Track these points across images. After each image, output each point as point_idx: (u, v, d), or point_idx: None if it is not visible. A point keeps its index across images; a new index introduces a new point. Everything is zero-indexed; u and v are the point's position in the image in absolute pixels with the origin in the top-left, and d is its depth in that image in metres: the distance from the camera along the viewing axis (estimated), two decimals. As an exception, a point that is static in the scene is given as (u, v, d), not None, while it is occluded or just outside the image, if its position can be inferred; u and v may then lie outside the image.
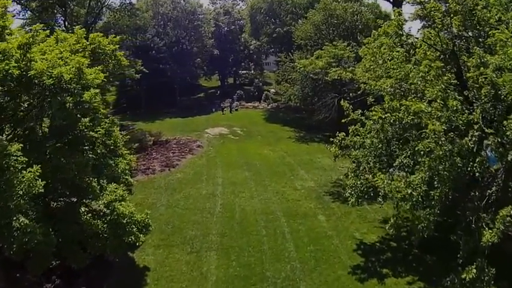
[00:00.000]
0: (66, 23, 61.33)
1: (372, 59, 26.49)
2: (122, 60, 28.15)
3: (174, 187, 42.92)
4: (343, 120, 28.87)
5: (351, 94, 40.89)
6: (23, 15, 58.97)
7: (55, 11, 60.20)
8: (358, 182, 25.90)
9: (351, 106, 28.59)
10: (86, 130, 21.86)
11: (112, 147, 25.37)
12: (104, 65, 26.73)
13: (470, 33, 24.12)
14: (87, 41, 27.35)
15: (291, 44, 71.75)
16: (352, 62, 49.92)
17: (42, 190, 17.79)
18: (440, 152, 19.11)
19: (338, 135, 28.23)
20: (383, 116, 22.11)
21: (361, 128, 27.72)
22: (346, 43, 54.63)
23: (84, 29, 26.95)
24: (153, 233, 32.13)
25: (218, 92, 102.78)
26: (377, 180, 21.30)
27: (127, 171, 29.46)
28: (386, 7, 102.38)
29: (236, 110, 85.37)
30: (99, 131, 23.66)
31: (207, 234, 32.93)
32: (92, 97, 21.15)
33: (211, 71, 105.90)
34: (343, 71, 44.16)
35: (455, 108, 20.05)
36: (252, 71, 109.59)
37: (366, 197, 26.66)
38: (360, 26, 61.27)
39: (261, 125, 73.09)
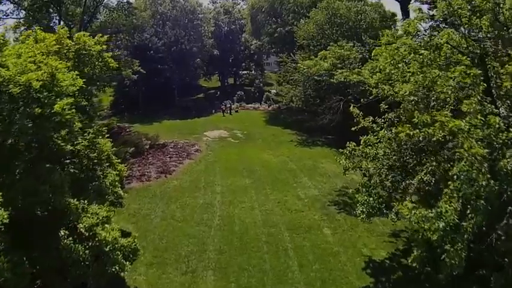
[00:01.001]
0: (62, 22, 59.18)
1: (391, 61, 23.74)
2: (110, 62, 25.63)
3: (170, 196, 40.59)
4: (353, 129, 26.36)
5: (363, 99, 38.24)
6: (16, 15, 56.84)
7: (50, 10, 57.78)
8: (370, 199, 23.45)
9: (361, 112, 26.13)
10: (62, 144, 19.36)
11: (96, 160, 22.83)
12: (89, 68, 24.36)
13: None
14: (73, 41, 25.14)
15: (293, 44, 69.52)
16: (357, 63, 47.57)
17: (7, 221, 15.26)
18: (484, 182, 16.46)
19: (348, 145, 25.60)
20: (411, 133, 19.35)
21: (373, 137, 25.27)
22: (352, 43, 52.23)
23: (66, 28, 24.59)
24: (146, 249, 30.13)
25: (218, 92, 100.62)
26: (402, 209, 18.63)
27: (117, 182, 27.08)
28: (390, 7, 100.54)
29: (236, 111, 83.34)
30: (81, 142, 21.30)
31: (203, 250, 30.51)
32: (63, 108, 18.50)
33: (211, 71, 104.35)
34: (349, 73, 41.73)
35: (497, 126, 17.36)
36: (253, 72, 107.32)
37: (377, 213, 24.24)
38: (365, 26, 58.80)
39: (261, 127, 70.69)
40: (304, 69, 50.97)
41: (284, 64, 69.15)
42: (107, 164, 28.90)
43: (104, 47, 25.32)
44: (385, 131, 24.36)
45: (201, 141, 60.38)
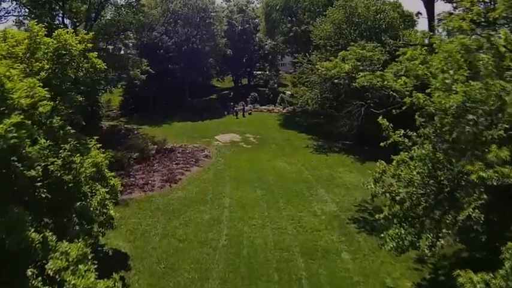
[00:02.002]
0: (66, 20, 56.23)
1: (444, 67, 19.70)
2: (97, 63, 22.05)
3: (173, 209, 37.09)
4: (382, 144, 22.58)
5: (391, 107, 34.66)
6: (18, 12, 53.78)
7: (53, 7, 54.54)
8: (402, 231, 19.63)
9: (391, 124, 22.40)
10: (22, 169, 15.76)
11: (71, 184, 19.20)
12: (71, 70, 20.85)
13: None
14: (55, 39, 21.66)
15: (309, 44, 66.21)
16: (378, 65, 43.93)
17: None
18: None
19: (378, 165, 21.76)
20: (484, 175, 15.37)
21: (407, 156, 21.49)
22: (373, 44, 48.54)
23: (40, 25, 21.02)
24: (141, 274, 26.94)
25: (231, 93, 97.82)
26: (462, 280, 14.75)
27: (107, 201, 23.62)
28: (408, 7, 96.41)
29: (250, 113, 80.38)
30: (55, 161, 17.81)
31: (206, 278, 26.73)
32: (7, 130, 14.33)
33: (224, 71, 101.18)
34: (373, 77, 37.97)
35: None
36: (267, 72, 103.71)
37: (410, 249, 20.46)
38: (384, 26, 55.86)
39: (276, 131, 67.14)
40: (322, 71, 47.25)
41: (300, 65, 65.57)
42: (99, 177, 25.71)
43: (90, 45, 21.76)
44: (420, 148, 20.68)
45: (211, 146, 57.05)
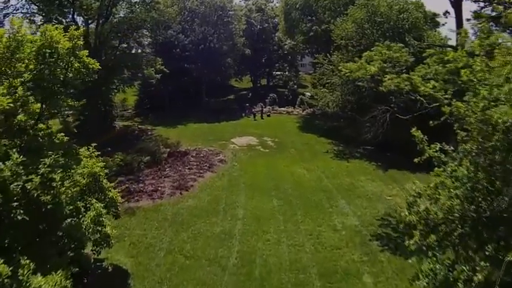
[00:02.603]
0: (77, 18, 54.09)
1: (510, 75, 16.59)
2: (89, 62, 19.37)
3: (182, 220, 34.50)
4: (415, 160, 19.58)
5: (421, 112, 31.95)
6: (27, 9, 51.65)
7: (63, 3, 52.29)
8: (437, 267, 16.65)
9: (425, 137, 19.45)
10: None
11: (50, 206, 16.54)
12: (58, 71, 18.23)
13: None
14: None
15: (329, 44, 63.44)
16: (401, 68, 41.01)
17: None
18: None
19: (413, 187, 18.71)
20: None
21: (441, 171, 18.54)
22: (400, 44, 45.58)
23: (21, 18, 18.52)
24: (141, 297, 24.09)
25: (250, 94, 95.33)
26: None
27: (102, 218, 21.05)
28: (430, 7, 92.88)
29: (268, 115, 77.89)
30: (33, 179, 15.26)
31: (212, 304, 24.17)
32: None
33: (242, 71, 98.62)
34: (400, 80, 35.01)
35: None
36: (287, 73, 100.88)
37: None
38: (407, 26, 52.88)
39: (294, 134, 64.31)
40: (346, 73, 44.41)
41: (320, 66, 62.65)
42: (96, 188, 23.25)
43: (80, 43, 19.12)
44: (458, 166, 17.74)
45: (227, 150, 54.47)
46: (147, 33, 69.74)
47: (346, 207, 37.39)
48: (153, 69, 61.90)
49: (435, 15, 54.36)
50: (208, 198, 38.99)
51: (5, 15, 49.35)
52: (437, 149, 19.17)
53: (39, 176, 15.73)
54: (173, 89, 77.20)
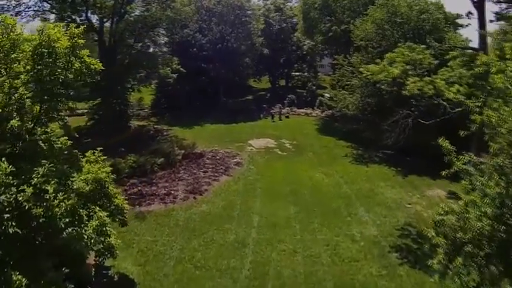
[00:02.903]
0: (89, 15, 53.02)
1: None
2: (91, 62, 17.99)
3: (194, 226, 33.16)
4: (443, 173, 18.04)
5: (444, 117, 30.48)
6: (39, 6, 50.69)
7: (75, 1, 51.24)
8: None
9: (454, 148, 17.89)
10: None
11: (43, 219, 15.15)
12: (58, 71, 16.91)
13: None
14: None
15: (349, 44, 62.13)
16: (422, 70, 39.49)
17: None
18: None
19: (441, 206, 17.09)
20: None
21: (466, 184, 17.03)
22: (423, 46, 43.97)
23: (15, 17, 17.29)
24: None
25: (268, 94, 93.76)
26: None
27: (105, 227, 19.74)
28: (450, 8, 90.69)
29: (287, 116, 76.17)
30: (25, 190, 14.02)
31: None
32: None
33: (261, 71, 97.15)
34: (424, 84, 33.45)
35: None
36: (306, 74, 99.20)
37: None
38: (428, 27, 51.40)
39: (313, 137, 62.66)
40: (367, 75, 42.89)
41: (339, 67, 61.01)
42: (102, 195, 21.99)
43: (81, 41, 17.80)
44: (487, 181, 16.21)
45: (244, 152, 53.09)
46: (163, 32, 68.77)
47: (365, 215, 35.83)
48: (169, 68, 60.86)
49: (458, 15, 52.48)
50: (223, 203, 37.65)
51: (17, 13, 48.34)
52: (465, 161, 17.62)
53: (31, 187, 14.47)
54: (190, 88, 75.71)
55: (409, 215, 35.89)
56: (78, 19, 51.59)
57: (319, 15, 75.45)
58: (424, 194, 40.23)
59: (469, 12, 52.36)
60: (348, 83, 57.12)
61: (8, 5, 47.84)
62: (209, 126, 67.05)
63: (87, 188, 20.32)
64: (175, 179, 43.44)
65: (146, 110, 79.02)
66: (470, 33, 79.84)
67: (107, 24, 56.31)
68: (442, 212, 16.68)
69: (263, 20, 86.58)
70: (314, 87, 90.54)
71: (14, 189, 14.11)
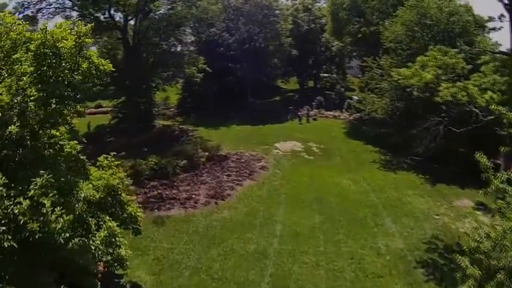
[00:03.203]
0: (112, 13, 52.47)
1: None
2: (100, 63, 16.82)
3: (213, 234, 31.94)
4: (480, 192, 16.58)
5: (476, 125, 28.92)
6: (60, 3, 49.95)
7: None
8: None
9: (492, 163, 16.41)
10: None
11: (39, 235, 14.02)
12: (63, 73, 15.79)
13: None
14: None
15: (378, 46, 60.52)
16: (453, 75, 37.85)
17: None
18: None
19: (476, 238, 15.55)
20: None
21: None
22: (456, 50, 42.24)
23: (8, 13, 16.20)
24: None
25: (296, 96, 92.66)
26: None
27: (114, 238, 18.63)
28: (479, 11, 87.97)
29: (315, 119, 74.81)
30: (21, 203, 13.02)
31: None
32: None
33: (289, 72, 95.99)
34: (457, 90, 31.79)
35: None
36: (334, 75, 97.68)
37: None
38: (458, 30, 49.59)
39: (341, 141, 61.11)
40: (398, 79, 41.32)
41: (368, 69, 59.39)
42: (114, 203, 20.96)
43: (89, 40, 16.66)
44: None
45: (270, 155, 51.89)
46: (189, 30, 67.92)
47: (392, 226, 34.17)
48: (195, 68, 59.90)
49: (490, 18, 50.49)
50: (245, 210, 36.41)
51: (38, 10, 47.77)
52: (504, 179, 16.10)
53: (27, 199, 13.46)
54: (217, 88, 74.87)
55: (437, 227, 34.19)
56: (101, 16, 50.88)
57: (348, 16, 73.99)
58: (452, 205, 38.50)
59: (501, 15, 50.46)
60: (377, 86, 55.54)
61: (29, 2, 47.34)
62: (235, 128, 66.15)
63: (97, 196, 19.28)
64: (197, 182, 42.42)
65: (172, 110, 78.52)
66: (499, 37, 77.02)
67: (131, 22, 55.57)
68: (478, 238, 15.17)
69: (291, 20, 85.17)
70: (342, 89, 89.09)
71: (7, 202, 13.13)
